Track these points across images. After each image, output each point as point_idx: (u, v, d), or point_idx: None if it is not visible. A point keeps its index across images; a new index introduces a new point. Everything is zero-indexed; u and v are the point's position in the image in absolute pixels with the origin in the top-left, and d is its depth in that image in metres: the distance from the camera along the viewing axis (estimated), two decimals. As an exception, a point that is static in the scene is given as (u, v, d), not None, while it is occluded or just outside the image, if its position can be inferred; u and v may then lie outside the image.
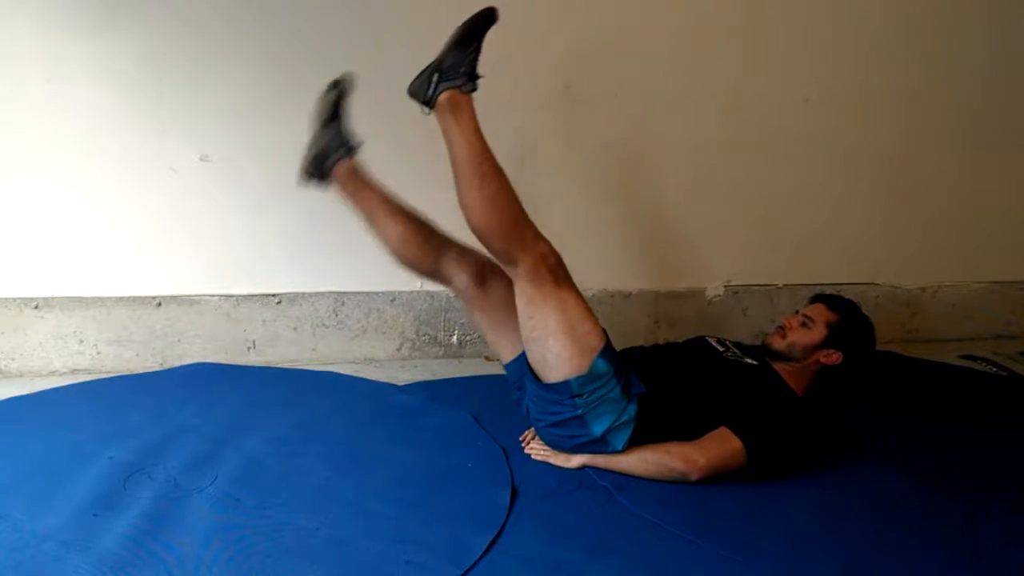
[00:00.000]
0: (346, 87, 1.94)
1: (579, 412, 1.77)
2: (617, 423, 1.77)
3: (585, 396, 1.76)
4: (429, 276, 2.00)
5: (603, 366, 1.75)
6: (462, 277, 1.93)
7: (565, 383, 1.76)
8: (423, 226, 1.96)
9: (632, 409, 1.77)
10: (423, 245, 1.94)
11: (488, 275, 1.93)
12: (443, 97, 1.74)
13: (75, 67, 2.22)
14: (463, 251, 1.95)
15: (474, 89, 1.78)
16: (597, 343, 1.76)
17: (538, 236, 1.77)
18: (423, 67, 1.78)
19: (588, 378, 1.75)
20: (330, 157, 1.95)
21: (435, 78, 1.76)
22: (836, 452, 1.96)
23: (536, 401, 1.83)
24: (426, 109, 1.79)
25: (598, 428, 1.78)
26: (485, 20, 1.76)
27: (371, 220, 1.97)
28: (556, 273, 1.76)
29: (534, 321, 1.76)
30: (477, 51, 1.78)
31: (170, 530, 1.53)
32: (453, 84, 1.75)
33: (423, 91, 1.77)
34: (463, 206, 1.77)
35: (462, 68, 1.76)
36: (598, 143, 2.55)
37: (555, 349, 1.75)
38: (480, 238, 1.79)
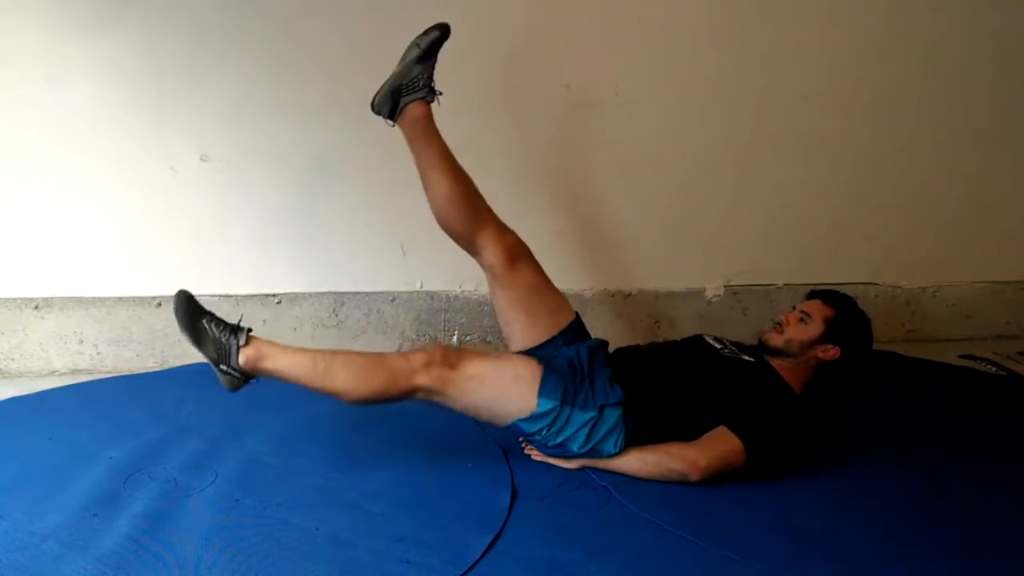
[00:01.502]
0: (448, 34, 1.93)
1: (548, 443, 1.80)
2: (596, 437, 1.78)
3: (542, 432, 1.78)
4: (463, 242, 1.98)
5: (546, 404, 1.76)
6: (495, 252, 1.93)
7: (515, 426, 1.79)
8: (473, 193, 1.95)
9: (612, 416, 1.77)
10: (468, 211, 1.93)
11: (519, 257, 1.95)
12: (243, 362, 1.72)
13: (75, 67, 2.22)
14: (503, 228, 1.96)
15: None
16: (535, 373, 1.78)
17: (406, 356, 1.77)
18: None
19: (531, 419, 1.76)
20: (410, 94, 1.91)
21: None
22: (836, 452, 1.96)
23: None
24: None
25: (575, 446, 1.79)
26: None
27: (425, 172, 1.94)
28: (447, 362, 1.74)
29: (476, 408, 1.78)
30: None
31: (170, 530, 1.53)
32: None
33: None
34: (348, 403, 1.76)
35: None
36: (598, 143, 2.55)
37: (506, 412, 1.78)
38: (383, 402, 1.77)
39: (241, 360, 1.71)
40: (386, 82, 1.92)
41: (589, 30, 2.44)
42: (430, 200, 1.94)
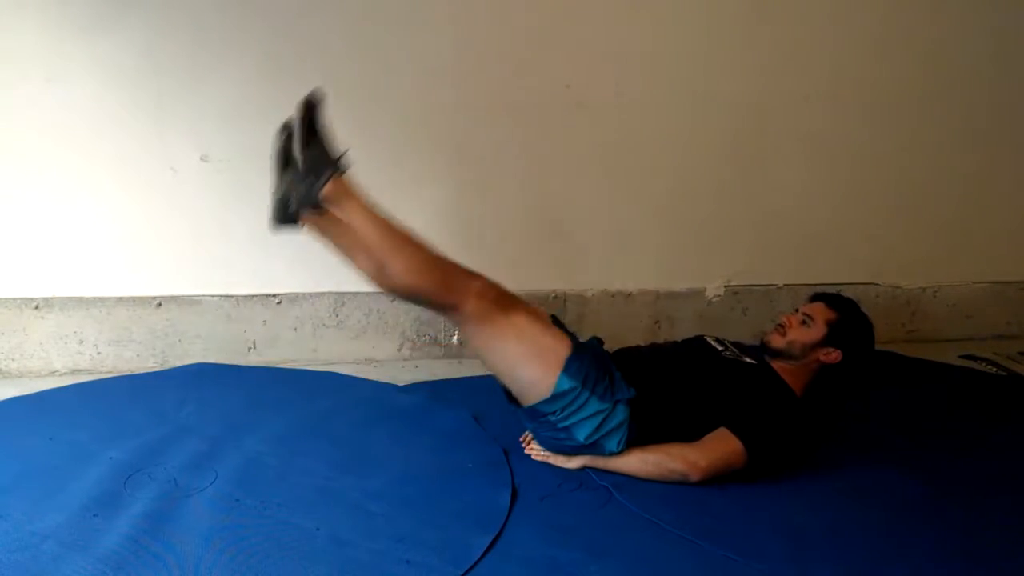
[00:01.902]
0: (293, 131, 1.78)
1: (557, 426, 1.79)
2: (603, 430, 1.77)
3: (556, 413, 1.77)
4: (444, 304, 1.84)
5: (567, 383, 1.75)
6: (477, 303, 1.80)
7: (533, 409, 1.79)
8: (437, 254, 1.84)
9: (622, 413, 1.77)
10: (444, 272, 1.80)
11: (501, 297, 1.87)
12: (327, 190, 1.73)
13: (75, 67, 2.22)
14: (472, 275, 1.84)
15: (347, 167, 1.78)
16: (564, 351, 1.77)
17: (469, 274, 1.77)
18: (284, 183, 1.78)
19: (551, 399, 1.76)
20: (292, 202, 1.80)
21: (310, 181, 1.75)
22: (836, 452, 1.96)
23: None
24: (319, 210, 1.78)
25: (581, 435, 1.78)
26: (312, 108, 1.75)
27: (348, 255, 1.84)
28: (500, 302, 1.76)
29: (497, 355, 1.78)
30: (324, 134, 1.77)
31: (170, 530, 1.53)
32: (328, 175, 1.75)
33: (308, 199, 1.75)
34: (389, 282, 1.74)
35: (325, 158, 1.76)
36: (598, 143, 2.55)
37: (524, 376, 1.78)
38: (417, 301, 1.80)
39: (323, 191, 1.73)
40: (279, 192, 1.80)
41: (589, 30, 2.44)
42: (398, 273, 1.74)
